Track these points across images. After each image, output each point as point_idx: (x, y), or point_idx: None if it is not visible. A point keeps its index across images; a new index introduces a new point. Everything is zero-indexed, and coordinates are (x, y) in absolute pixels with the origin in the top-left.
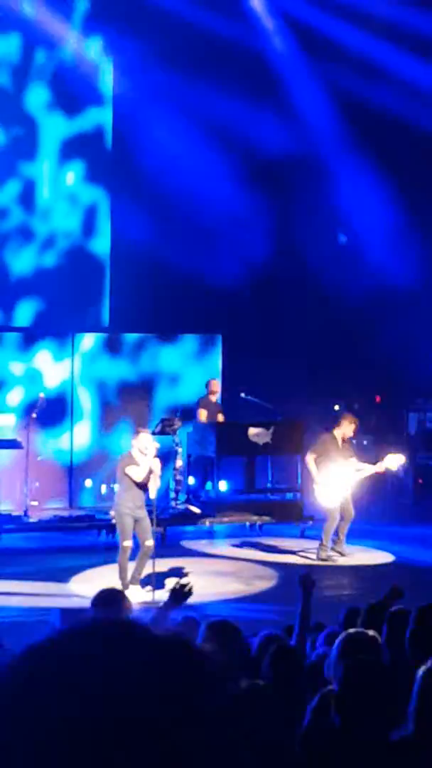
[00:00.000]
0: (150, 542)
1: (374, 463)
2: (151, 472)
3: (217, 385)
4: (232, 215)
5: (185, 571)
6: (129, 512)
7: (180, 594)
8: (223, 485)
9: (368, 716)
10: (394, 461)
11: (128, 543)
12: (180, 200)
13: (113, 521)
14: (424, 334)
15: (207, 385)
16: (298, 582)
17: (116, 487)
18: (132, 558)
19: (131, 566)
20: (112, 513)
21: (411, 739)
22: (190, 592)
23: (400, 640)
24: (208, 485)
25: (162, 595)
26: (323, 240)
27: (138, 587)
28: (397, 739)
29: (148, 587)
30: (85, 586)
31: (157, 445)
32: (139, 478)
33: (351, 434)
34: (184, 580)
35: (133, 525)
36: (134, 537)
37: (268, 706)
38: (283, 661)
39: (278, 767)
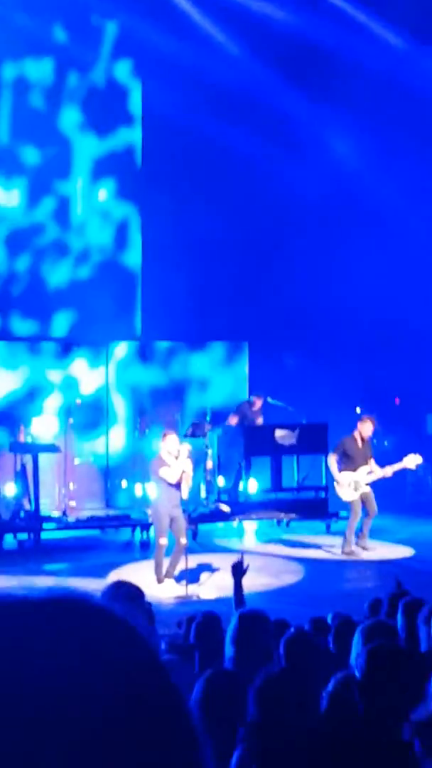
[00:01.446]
0: (184, 540)
1: (393, 464)
2: (183, 472)
3: (258, 403)
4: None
5: (216, 566)
6: (165, 511)
7: (239, 568)
8: (251, 484)
9: (390, 699)
10: (412, 461)
11: (164, 540)
12: (205, 213)
13: (150, 519)
14: None
15: (251, 398)
16: (231, 568)
17: (150, 488)
18: (167, 554)
19: (166, 562)
20: (149, 511)
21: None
22: (247, 567)
23: (413, 627)
24: (242, 484)
25: (195, 589)
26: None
27: (173, 582)
28: (418, 719)
29: (183, 582)
30: None
31: (189, 447)
32: (172, 479)
33: (370, 434)
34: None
35: (168, 523)
36: (169, 535)
37: (285, 691)
38: (297, 647)
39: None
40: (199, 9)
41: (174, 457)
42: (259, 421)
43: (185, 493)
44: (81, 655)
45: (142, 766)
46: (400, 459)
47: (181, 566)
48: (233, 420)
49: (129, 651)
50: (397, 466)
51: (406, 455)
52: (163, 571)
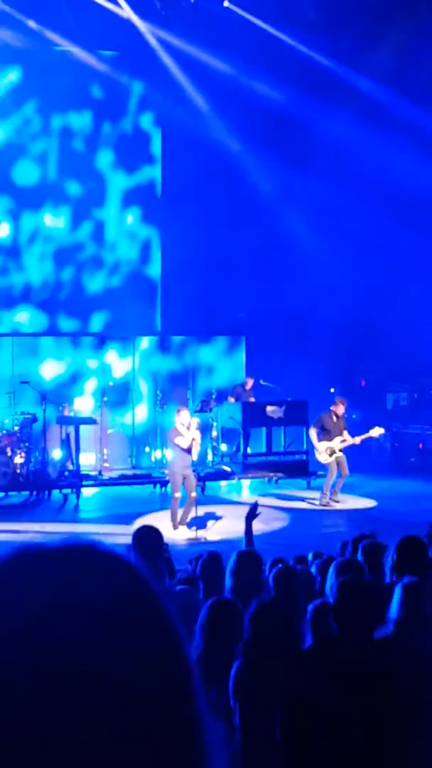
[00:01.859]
0: (194, 494)
1: (361, 434)
2: (193, 440)
3: (250, 383)
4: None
5: (220, 515)
6: (179, 471)
7: (253, 513)
8: (248, 449)
9: (358, 621)
10: (377, 432)
11: (178, 494)
12: (212, 232)
13: (167, 478)
14: (394, 334)
15: (245, 379)
16: (246, 514)
17: (167, 452)
18: (180, 505)
19: (180, 512)
20: (166, 471)
21: (391, 637)
22: (259, 513)
23: (374, 564)
24: (237, 455)
25: (203, 533)
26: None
27: (185, 528)
28: (380, 638)
29: (194, 527)
30: None
31: (198, 420)
32: (184, 445)
33: (342, 411)
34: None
35: (181, 480)
36: (182, 489)
37: (274, 615)
38: (284, 579)
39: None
40: (195, 85)
41: (186, 427)
42: (251, 399)
43: (195, 456)
44: (87, 591)
45: (136, 688)
46: (366, 430)
47: (192, 515)
48: (231, 399)
49: (128, 588)
50: (364, 436)
51: (371, 427)
52: (178, 518)
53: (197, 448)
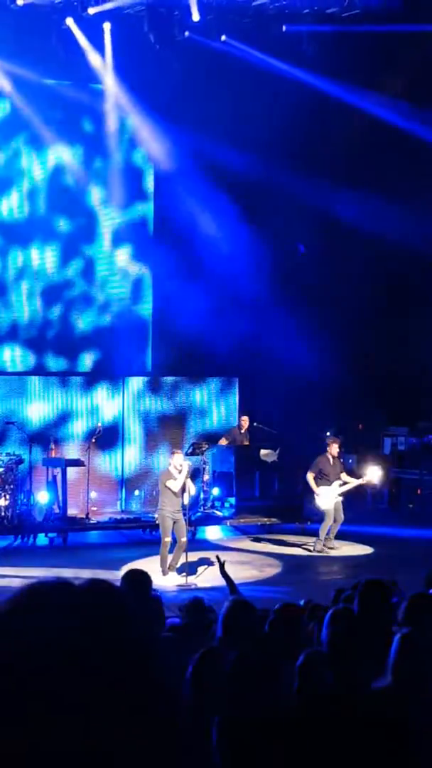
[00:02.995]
0: (184, 539)
1: (358, 477)
2: (185, 483)
3: (246, 422)
4: (243, 284)
5: (213, 560)
6: (169, 515)
7: (221, 566)
8: (240, 494)
9: (352, 670)
10: (375, 474)
11: (168, 539)
12: (205, 272)
13: (156, 522)
14: (392, 378)
15: (239, 420)
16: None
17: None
18: (170, 551)
19: (170, 558)
20: (155, 516)
21: (390, 687)
22: (224, 562)
23: (372, 611)
24: (230, 499)
25: (193, 579)
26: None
27: (175, 573)
28: (378, 688)
29: (183, 573)
30: None
31: (190, 463)
32: (176, 489)
33: (337, 451)
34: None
35: (171, 525)
36: (172, 534)
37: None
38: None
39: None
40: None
41: (178, 471)
42: (246, 442)
43: (186, 500)
44: (97, 626)
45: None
46: (361, 474)
47: (181, 561)
48: (223, 441)
49: (124, 624)
50: (362, 481)
51: (367, 470)
52: (167, 564)
53: (189, 492)
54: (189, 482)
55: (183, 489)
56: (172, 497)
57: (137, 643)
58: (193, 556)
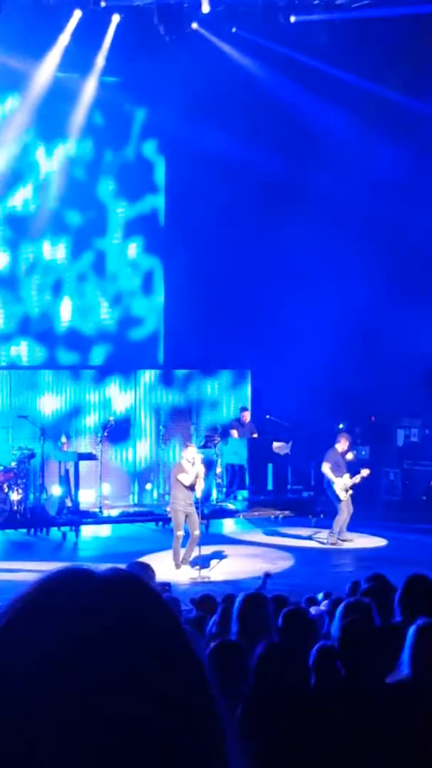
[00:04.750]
0: (197, 532)
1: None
2: (197, 477)
3: (247, 416)
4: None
5: (224, 554)
6: (181, 508)
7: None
8: (253, 487)
9: (365, 664)
10: (365, 472)
11: (181, 532)
12: (217, 264)
13: (169, 515)
14: (405, 369)
15: (240, 412)
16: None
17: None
18: (183, 545)
19: (182, 551)
20: (168, 509)
21: (408, 680)
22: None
23: (388, 605)
24: (242, 492)
25: (206, 573)
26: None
27: (188, 567)
28: (394, 681)
29: (196, 567)
30: None
31: (202, 456)
32: (188, 482)
33: (347, 447)
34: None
35: (184, 518)
36: (185, 528)
37: (282, 661)
38: (292, 621)
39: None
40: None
41: (191, 464)
42: (254, 435)
43: (199, 493)
44: (125, 617)
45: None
46: (375, 467)
47: (194, 554)
48: (235, 433)
49: (159, 617)
50: (356, 479)
51: (365, 467)
52: (180, 558)
53: (201, 485)
54: (201, 474)
55: (195, 482)
56: (185, 491)
57: (189, 650)
58: (206, 550)
